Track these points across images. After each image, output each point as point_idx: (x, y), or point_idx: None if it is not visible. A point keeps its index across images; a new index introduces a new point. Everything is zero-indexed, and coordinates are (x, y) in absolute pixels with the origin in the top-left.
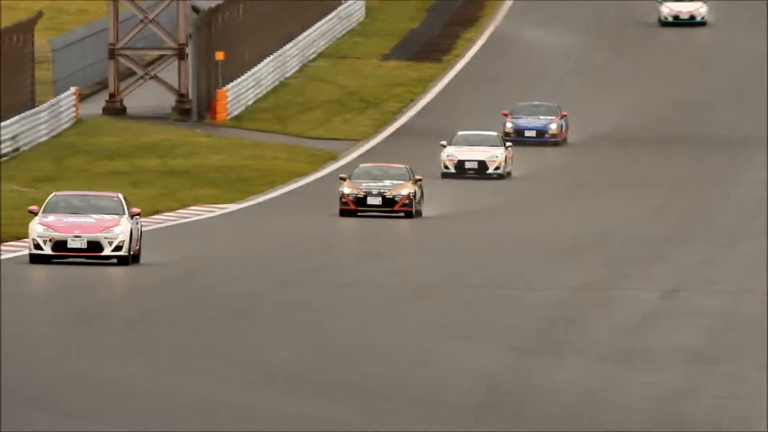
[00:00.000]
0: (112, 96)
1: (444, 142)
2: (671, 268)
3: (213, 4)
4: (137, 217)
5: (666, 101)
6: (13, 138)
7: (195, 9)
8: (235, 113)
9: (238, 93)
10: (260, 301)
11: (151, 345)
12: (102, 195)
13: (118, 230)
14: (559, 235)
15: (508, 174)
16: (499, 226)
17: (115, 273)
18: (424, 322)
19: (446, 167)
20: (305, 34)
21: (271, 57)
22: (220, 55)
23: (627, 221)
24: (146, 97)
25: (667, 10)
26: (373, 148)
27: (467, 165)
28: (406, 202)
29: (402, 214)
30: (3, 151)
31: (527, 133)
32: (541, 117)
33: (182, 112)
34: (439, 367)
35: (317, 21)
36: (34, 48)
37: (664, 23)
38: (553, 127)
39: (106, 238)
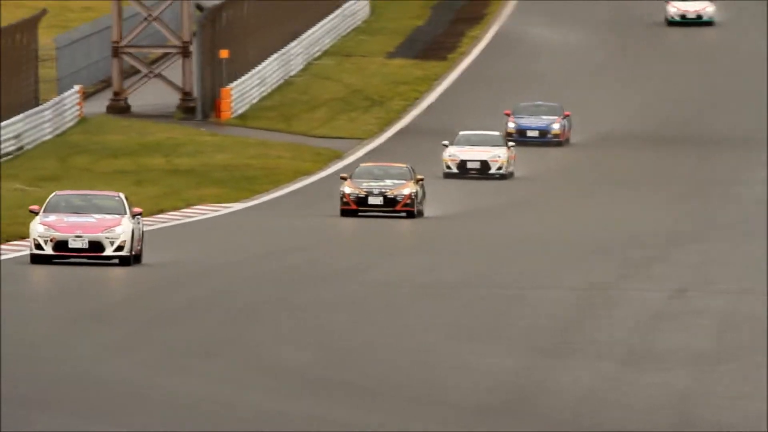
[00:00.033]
0: (116, 94)
1: (446, 142)
2: (675, 268)
3: (217, 2)
4: (139, 216)
5: (670, 101)
6: (16, 136)
7: (199, 7)
8: (240, 112)
9: (243, 91)
10: (263, 302)
11: (151, 345)
12: (103, 194)
13: (119, 230)
14: (561, 236)
15: (511, 174)
16: (502, 227)
17: (116, 273)
18: (429, 322)
19: (448, 167)
20: (310, 32)
21: (276, 55)
22: (224, 54)
23: (631, 221)
24: (150, 95)
25: (674, 9)
26: (379, 146)
27: (469, 165)
28: (408, 201)
29: (403, 214)
30: (6, 150)
31: (529, 133)
32: (544, 117)
33: (186, 110)
34: (446, 368)
35: (322, 19)
36: (38, 46)
37: (671, 23)
38: (556, 127)
39: (107, 238)
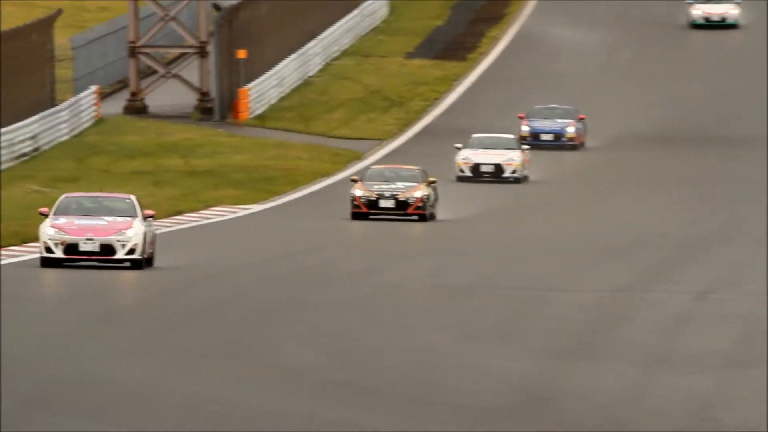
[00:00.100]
0: (133, 95)
1: (459, 145)
2: (697, 270)
3: (234, 2)
4: (150, 219)
5: (690, 102)
6: (33, 137)
7: (216, 7)
8: (258, 112)
9: (261, 92)
10: (274, 304)
11: (161, 348)
12: (114, 196)
13: (131, 233)
14: (576, 239)
15: (525, 178)
16: (516, 230)
17: (127, 277)
18: (440, 325)
19: (461, 171)
20: (328, 31)
21: (294, 55)
22: (242, 54)
23: (648, 224)
24: (167, 95)
25: (698, 12)
26: (398, 147)
27: (483, 168)
28: (420, 204)
29: (415, 218)
30: (23, 151)
31: (543, 137)
32: (558, 120)
33: (204, 111)
34: (458, 370)
35: (340, 19)
36: (54, 46)
37: (695, 25)
38: (571, 130)
39: (119, 240)
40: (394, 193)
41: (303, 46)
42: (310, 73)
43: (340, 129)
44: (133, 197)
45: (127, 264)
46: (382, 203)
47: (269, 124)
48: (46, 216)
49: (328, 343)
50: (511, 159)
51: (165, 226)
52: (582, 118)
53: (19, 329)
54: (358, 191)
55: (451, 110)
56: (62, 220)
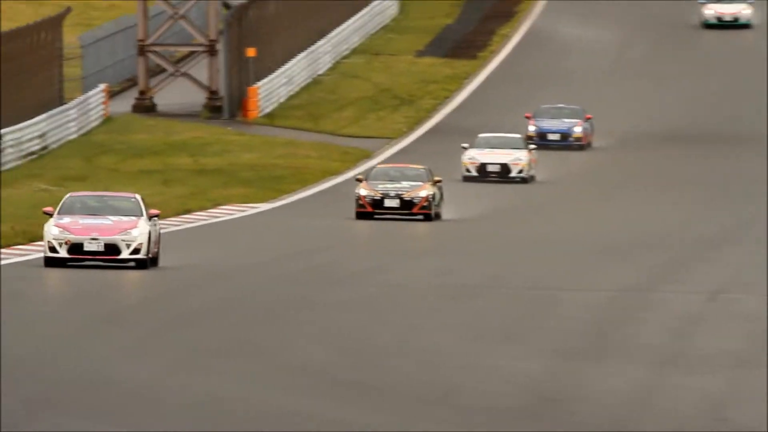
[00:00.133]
0: (142, 93)
1: (465, 144)
2: (708, 270)
3: (244, 0)
4: (156, 218)
5: (699, 102)
6: (41, 136)
7: (225, 5)
8: (267, 111)
9: (270, 90)
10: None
11: (166, 347)
12: (119, 196)
13: (136, 232)
14: (583, 238)
15: (532, 178)
16: (522, 229)
17: (132, 276)
18: (446, 324)
19: (468, 170)
20: (338, 30)
21: (304, 54)
22: (251, 52)
23: (655, 223)
24: (176, 94)
25: (710, 11)
26: (408, 146)
27: (489, 168)
28: (425, 204)
29: (420, 217)
30: (31, 149)
31: (550, 137)
32: (566, 120)
33: (213, 109)
34: (465, 370)
35: (350, 17)
36: (63, 44)
37: (707, 25)
38: (578, 130)
39: (123, 240)
40: (399, 192)
41: (312, 44)
42: (320, 72)
43: (349, 127)
44: (138, 196)
45: (132, 264)
46: (387, 203)
47: (278, 122)
48: (50, 215)
49: (336, 343)
50: (518, 159)
51: (173, 225)
52: (589, 118)
53: (23, 329)
54: (362, 190)
55: (461, 108)
56: (66, 220)
